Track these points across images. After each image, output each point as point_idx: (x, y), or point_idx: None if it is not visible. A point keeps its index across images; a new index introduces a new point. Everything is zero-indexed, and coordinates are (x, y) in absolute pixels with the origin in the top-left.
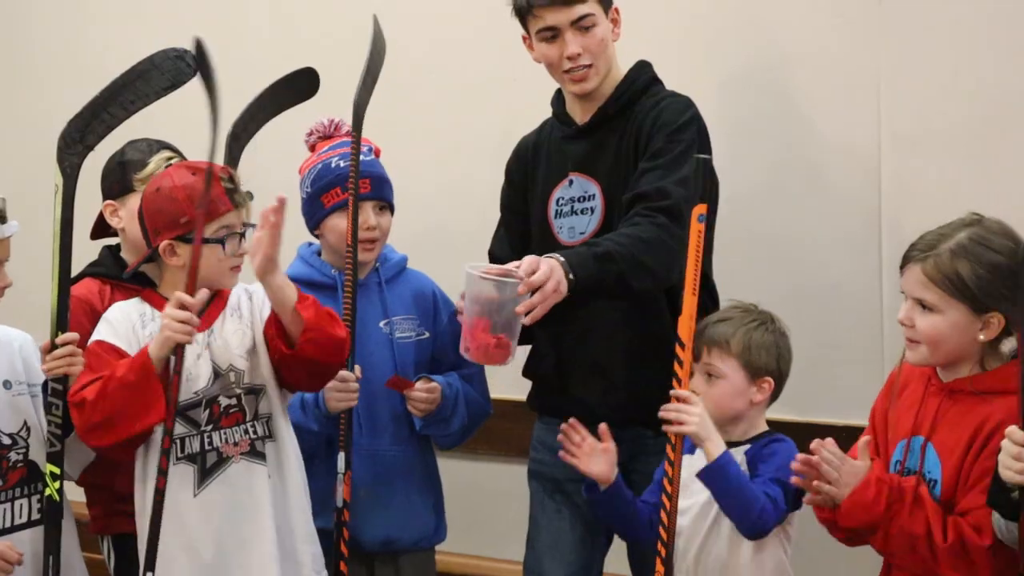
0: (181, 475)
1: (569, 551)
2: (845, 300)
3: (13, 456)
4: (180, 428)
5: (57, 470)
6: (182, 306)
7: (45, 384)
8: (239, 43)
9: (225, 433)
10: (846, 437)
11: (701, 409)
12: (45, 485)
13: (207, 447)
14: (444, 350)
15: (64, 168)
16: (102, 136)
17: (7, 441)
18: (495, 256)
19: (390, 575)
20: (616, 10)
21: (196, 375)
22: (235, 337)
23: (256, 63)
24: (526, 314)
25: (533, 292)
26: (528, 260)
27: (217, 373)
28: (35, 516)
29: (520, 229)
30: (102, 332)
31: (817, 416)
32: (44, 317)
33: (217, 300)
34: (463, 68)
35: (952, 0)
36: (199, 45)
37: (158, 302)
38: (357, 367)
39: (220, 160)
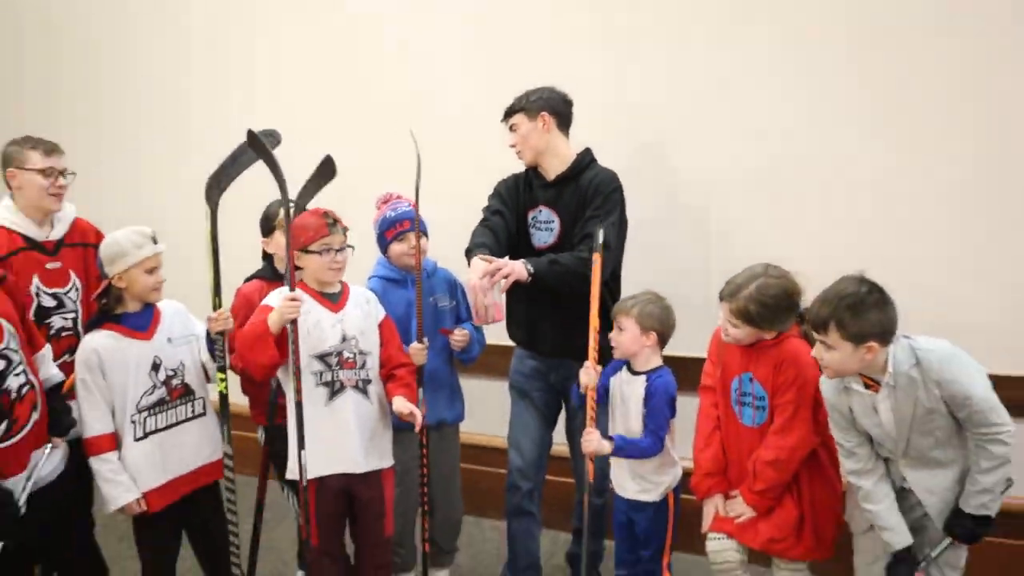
0: (320, 393)
1: (533, 430)
2: (688, 286)
3: (175, 381)
4: (320, 366)
5: (223, 376)
6: (293, 299)
7: (207, 333)
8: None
9: (345, 373)
10: (692, 365)
11: (597, 435)
12: (198, 397)
13: (335, 379)
14: (460, 311)
15: (210, 203)
16: (231, 181)
17: (171, 373)
18: (478, 243)
19: (436, 441)
20: (544, 116)
21: (331, 336)
22: (358, 320)
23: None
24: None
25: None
26: (498, 260)
27: (344, 337)
28: (190, 415)
29: (500, 226)
30: (272, 299)
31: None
32: (199, 292)
33: (344, 294)
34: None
35: (757, 55)
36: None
37: (305, 288)
38: (425, 340)
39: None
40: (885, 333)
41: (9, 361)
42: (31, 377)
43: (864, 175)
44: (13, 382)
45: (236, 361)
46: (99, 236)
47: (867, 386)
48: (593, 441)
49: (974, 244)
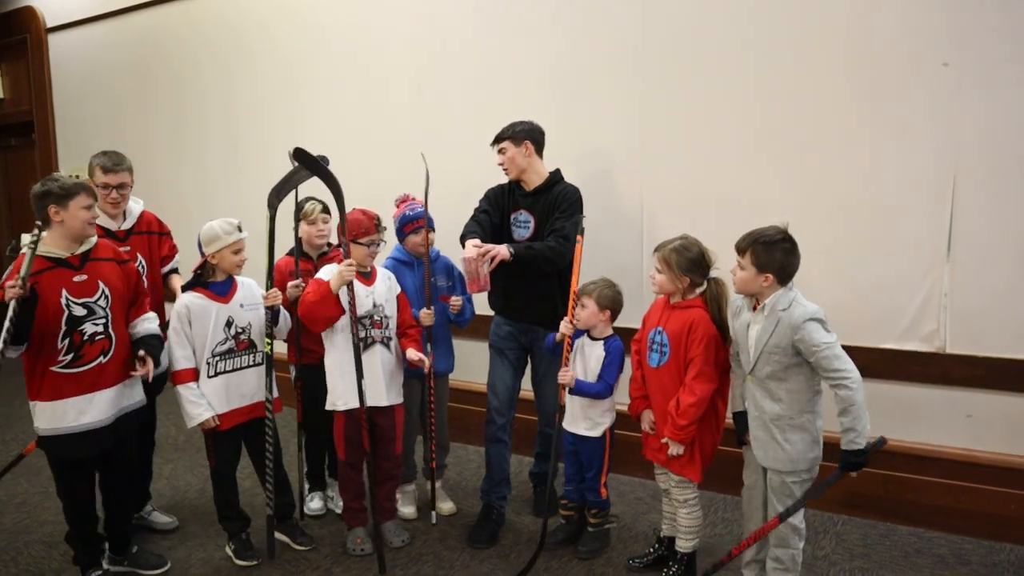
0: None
1: (507, 379)
2: (622, 269)
3: (243, 336)
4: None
5: (270, 340)
6: (350, 264)
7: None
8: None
9: (374, 331)
10: (626, 332)
11: (573, 372)
12: (259, 350)
13: (368, 336)
14: (456, 289)
15: (270, 209)
16: (286, 195)
17: (240, 330)
18: (470, 231)
19: (435, 387)
20: (527, 144)
21: (365, 303)
22: (383, 292)
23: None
24: (490, 270)
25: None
26: (487, 244)
27: (375, 304)
28: (253, 363)
29: (486, 221)
30: (323, 273)
31: (626, 324)
32: (259, 272)
33: (374, 272)
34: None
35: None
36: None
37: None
38: (432, 307)
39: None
40: (781, 272)
41: (92, 311)
42: (111, 331)
43: (760, 197)
44: (89, 328)
45: (305, 319)
46: (162, 225)
47: (753, 309)
48: (568, 375)
49: (828, 248)
